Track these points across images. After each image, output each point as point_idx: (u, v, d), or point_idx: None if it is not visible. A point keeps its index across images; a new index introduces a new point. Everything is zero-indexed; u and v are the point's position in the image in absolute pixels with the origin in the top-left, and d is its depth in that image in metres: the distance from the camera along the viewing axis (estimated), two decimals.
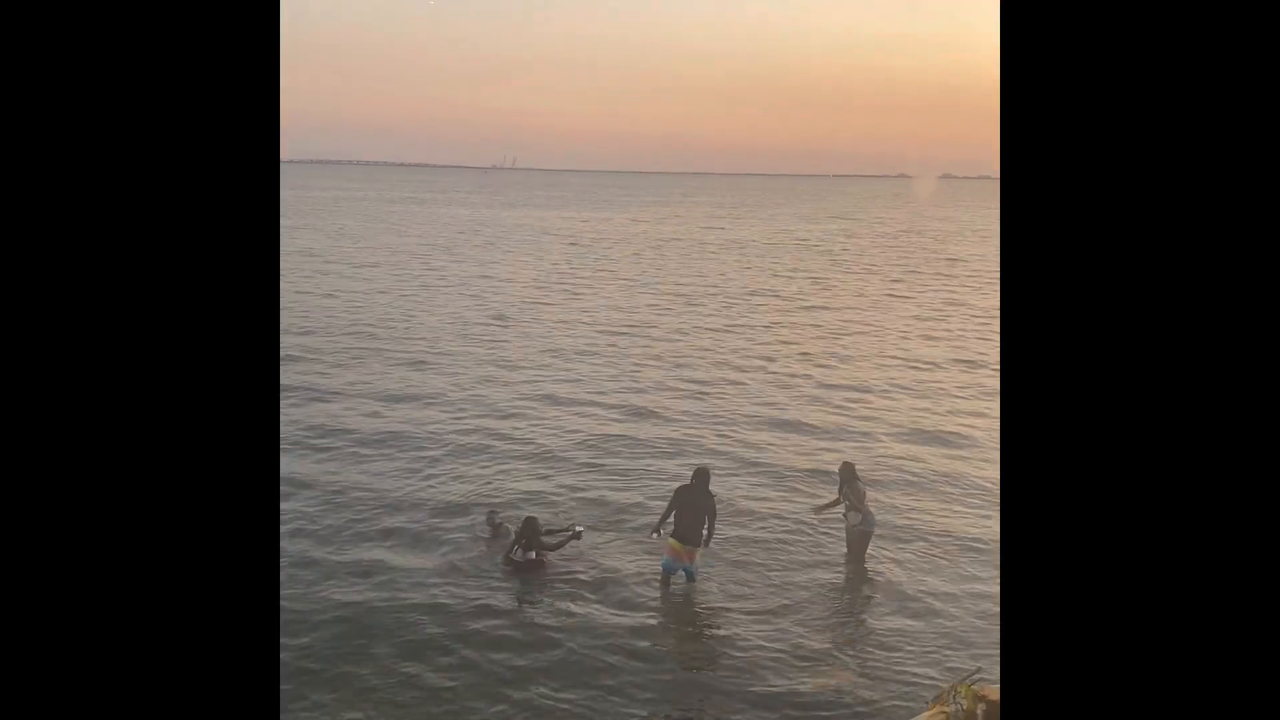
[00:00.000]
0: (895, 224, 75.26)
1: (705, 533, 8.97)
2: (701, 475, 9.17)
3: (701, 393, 17.58)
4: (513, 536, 9.83)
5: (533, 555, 9.57)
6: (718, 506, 9.20)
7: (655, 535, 9.27)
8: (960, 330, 24.92)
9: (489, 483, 12.32)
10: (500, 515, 10.58)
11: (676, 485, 9.45)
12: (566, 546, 9.84)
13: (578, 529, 10.14)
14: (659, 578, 9.21)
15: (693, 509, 8.95)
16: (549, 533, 10.06)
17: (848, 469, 10.27)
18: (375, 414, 15.55)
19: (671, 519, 9.03)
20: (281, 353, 17.40)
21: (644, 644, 8.21)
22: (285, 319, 21.47)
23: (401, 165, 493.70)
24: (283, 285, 26.33)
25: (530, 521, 9.78)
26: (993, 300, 27.34)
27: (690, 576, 9.11)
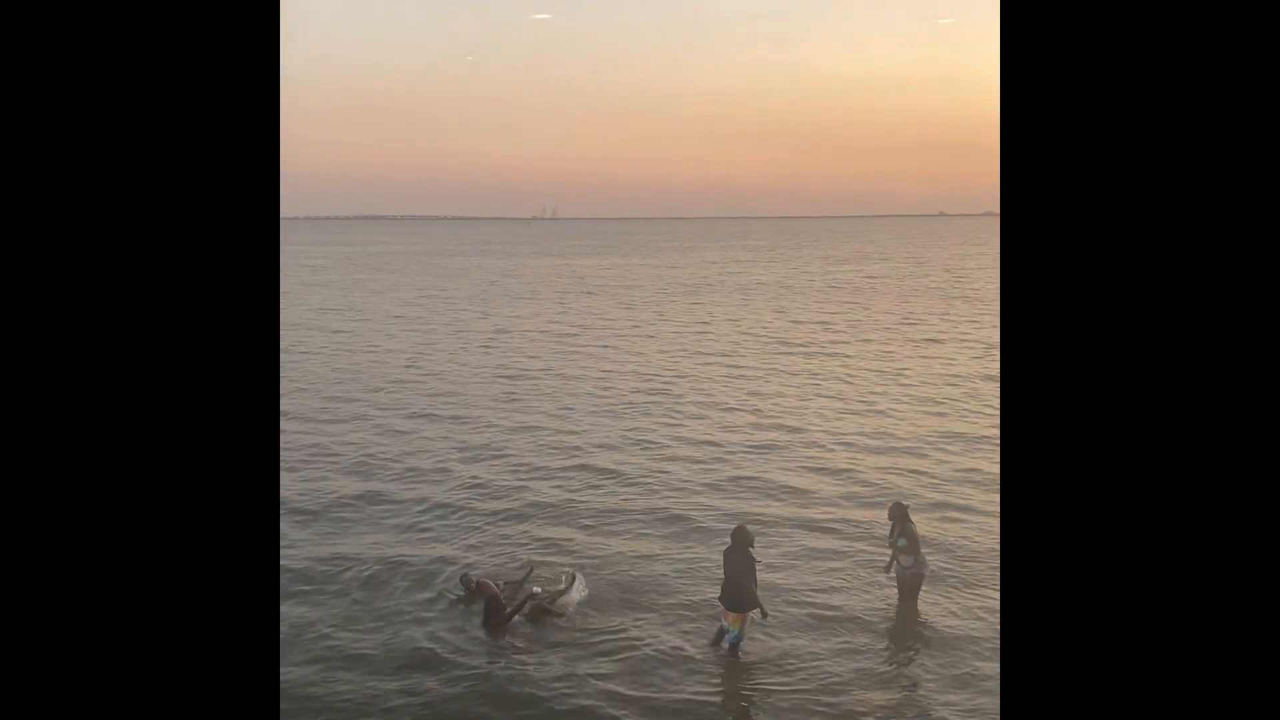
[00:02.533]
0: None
1: (752, 593, 8.45)
2: (738, 535, 8.71)
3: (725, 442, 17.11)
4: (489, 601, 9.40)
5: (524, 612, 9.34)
6: (757, 567, 8.67)
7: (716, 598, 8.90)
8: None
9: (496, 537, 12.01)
10: (475, 575, 10.24)
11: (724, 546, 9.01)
12: (564, 600, 9.54)
13: (572, 572, 9.88)
14: (714, 634, 8.85)
15: (731, 571, 8.55)
16: (534, 594, 9.57)
17: (900, 510, 9.85)
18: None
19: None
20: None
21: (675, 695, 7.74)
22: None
23: (445, 219, 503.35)
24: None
25: (493, 600, 9.32)
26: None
27: (733, 645, 8.61)
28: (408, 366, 25.11)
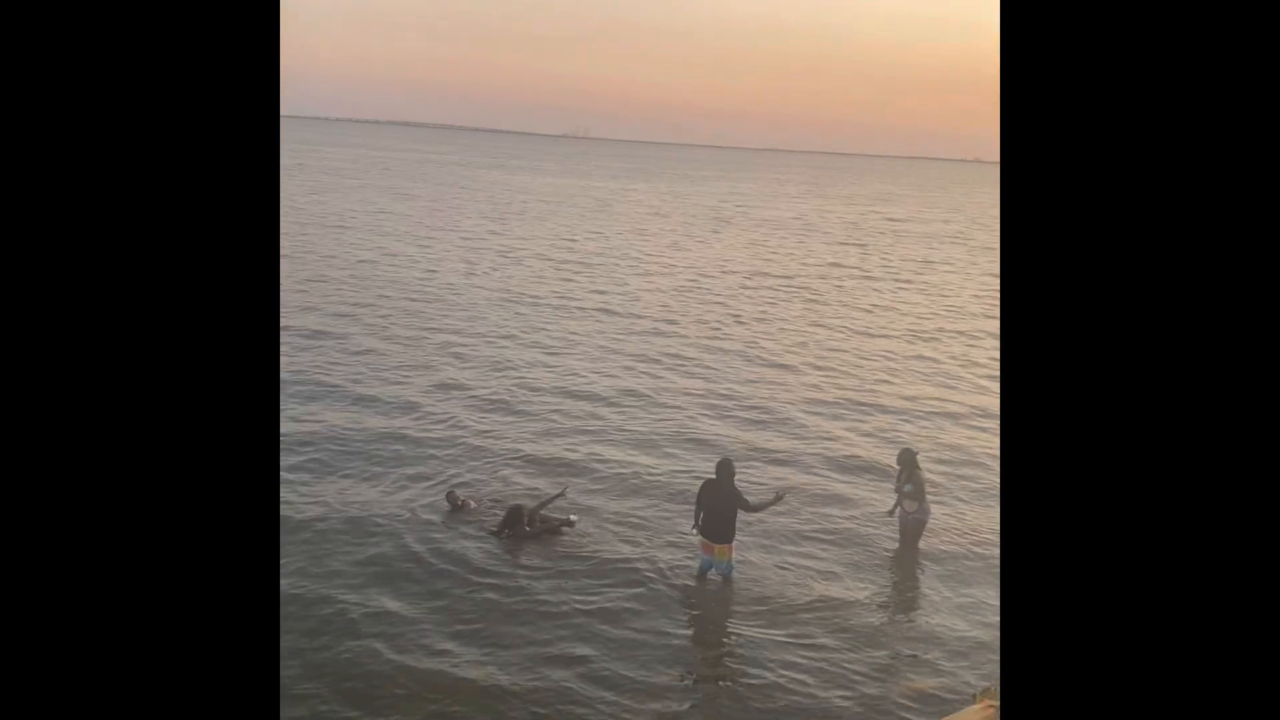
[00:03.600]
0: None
1: (754, 515, 8.62)
2: (724, 468, 8.70)
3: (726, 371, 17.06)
4: (502, 518, 9.68)
5: (525, 533, 9.54)
6: (748, 498, 8.72)
7: (694, 531, 8.91)
8: None
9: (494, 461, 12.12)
10: (462, 493, 10.45)
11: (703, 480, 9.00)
12: (561, 530, 9.67)
13: (571, 518, 9.97)
14: (696, 571, 8.88)
15: (718, 504, 8.55)
16: (540, 507, 9.91)
17: (909, 456, 9.88)
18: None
19: (701, 515, 8.70)
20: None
21: (670, 641, 7.86)
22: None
23: (479, 130, 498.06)
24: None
25: (515, 510, 9.66)
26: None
27: (725, 576, 8.72)
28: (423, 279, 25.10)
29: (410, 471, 11.25)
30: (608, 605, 8.27)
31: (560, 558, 9.16)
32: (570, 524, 9.85)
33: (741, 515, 8.64)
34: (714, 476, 8.73)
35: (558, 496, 10.35)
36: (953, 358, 19.28)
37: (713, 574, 8.75)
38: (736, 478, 8.76)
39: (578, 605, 8.24)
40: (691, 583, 8.77)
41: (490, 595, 8.34)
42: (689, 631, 8.09)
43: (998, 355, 19.43)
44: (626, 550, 9.41)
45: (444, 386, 14.95)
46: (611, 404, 14.58)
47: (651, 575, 8.88)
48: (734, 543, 8.65)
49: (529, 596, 8.34)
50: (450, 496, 10.34)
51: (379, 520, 9.76)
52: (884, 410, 15.07)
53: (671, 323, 21.18)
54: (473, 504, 10.32)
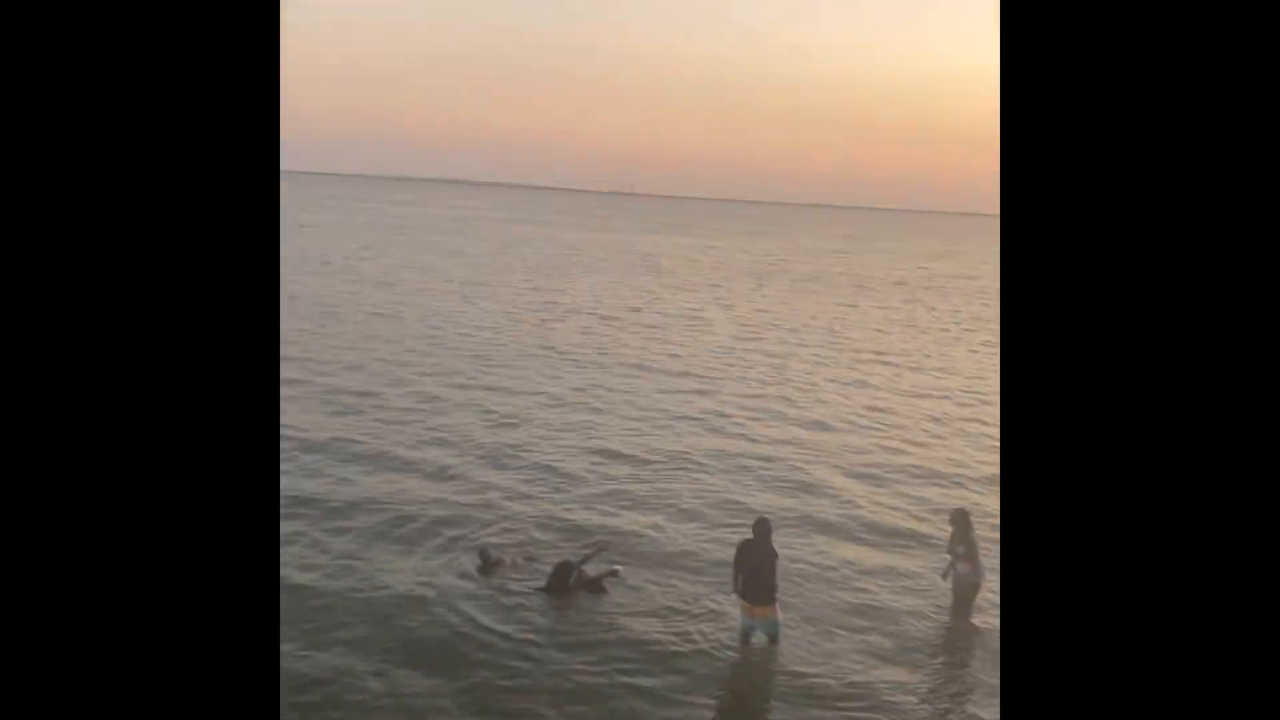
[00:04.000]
0: None
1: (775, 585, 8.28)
2: (761, 527, 8.45)
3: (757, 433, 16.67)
4: (550, 573, 9.51)
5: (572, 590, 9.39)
6: (778, 561, 8.41)
7: (734, 594, 8.63)
8: None
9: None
10: (496, 549, 10.23)
11: (740, 540, 8.74)
12: (605, 587, 9.52)
13: (617, 567, 9.84)
14: (739, 636, 8.56)
15: (756, 565, 8.28)
16: (584, 561, 9.75)
17: (962, 516, 9.64)
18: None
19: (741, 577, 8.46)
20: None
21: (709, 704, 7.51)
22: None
23: (528, 188, 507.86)
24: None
25: (564, 566, 9.50)
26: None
27: (772, 637, 8.43)
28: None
29: (438, 537, 10.97)
30: (646, 684, 7.90)
31: (599, 629, 8.83)
32: (616, 575, 9.69)
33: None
34: (751, 537, 8.47)
35: (601, 550, 10.09)
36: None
37: (756, 637, 8.41)
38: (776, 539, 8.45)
39: (619, 680, 7.90)
40: (733, 651, 8.40)
41: (521, 664, 8.04)
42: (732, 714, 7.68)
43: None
44: (664, 621, 9.07)
45: (474, 445, 14.84)
46: (646, 464, 14.33)
47: (691, 649, 8.51)
48: (777, 604, 8.33)
49: (561, 668, 8.02)
50: (483, 553, 10.05)
51: (402, 586, 9.50)
52: (935, 475, 14.59)
53: (714, 380, 20.95)
54: (506, 560, 10.06)
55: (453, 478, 13.19)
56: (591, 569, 9.69)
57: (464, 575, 9.82)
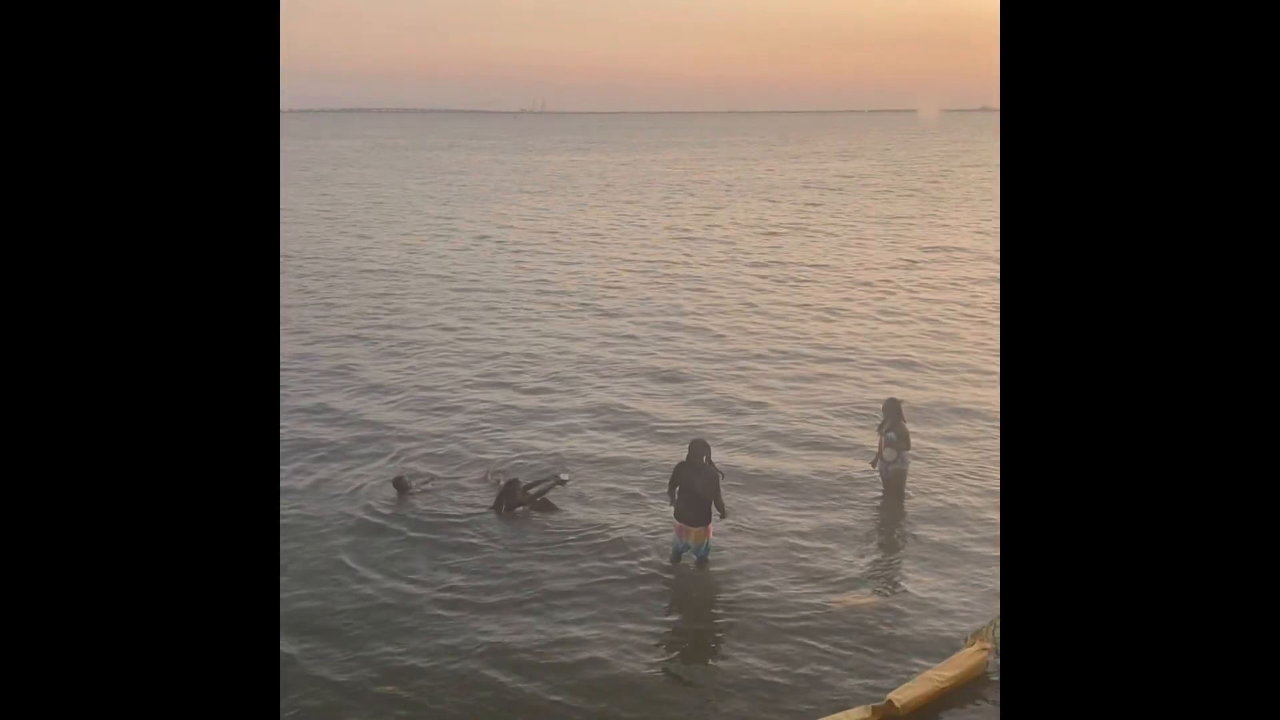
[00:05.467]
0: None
1: (715, 509, 8.18)
2: (697, 447, 8.22)
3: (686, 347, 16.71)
4: (498, 495, 9.66)
5: (518, 510, 9.48)
6: (721, 480, 8.26)
7: (669, 508, 8.52)
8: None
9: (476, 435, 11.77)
10: (412, 476, 10.17)
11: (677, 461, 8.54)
12: (551, 493, 9.67)
13: (562, 476, 9.94)
14: (671, 555, 8.48)
15: (691, 485, 8.11)
16: (531, 485, 9.79)
17: (894, 405, 9.75)
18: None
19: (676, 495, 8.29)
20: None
21: (645, 624, 7.56)
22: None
23: (434, 111, 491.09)
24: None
25: (511, 484, 9.67)
26: None
27: (701, 557, 8.31)
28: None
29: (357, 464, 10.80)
30: (581, 585, 8.04)
31: (532, 550, 8.83)
32: (563, 482, 9.81)
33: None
34: (685, 458, 8.28)
35: (557, 482, 9.95)
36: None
37: (686, 557, 8.35)
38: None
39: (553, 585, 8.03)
40: (666, 563, 8.44)
41: (457, 581, 8.10)
42: (669, 618, 7.77)
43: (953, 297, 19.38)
44: (603, 530, 9.15)
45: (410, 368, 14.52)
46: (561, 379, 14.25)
47: (626, 557, 8.60)
48: (710, 526, 8.23)
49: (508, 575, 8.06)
50: (398, 482, 9.94)
51: (311, 519, 9.32)
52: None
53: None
54: (429, 486, 10.02)
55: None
56: (535, 488, 9.73)
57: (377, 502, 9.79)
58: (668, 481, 8.48)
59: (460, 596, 7.86)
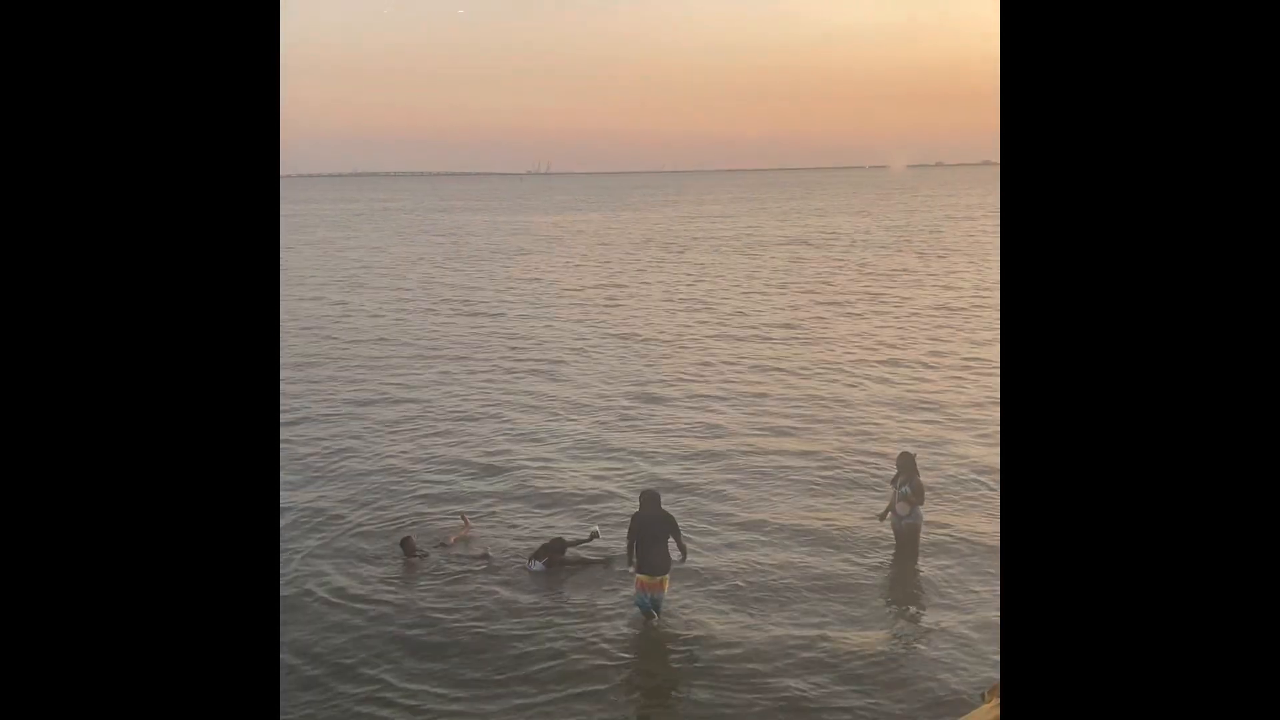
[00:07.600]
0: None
1: (678, 554, 8.15)
2: (648, 498, 8.27)
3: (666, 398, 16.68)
4: (540, 547, 9.69)
5: (541, 564, 9.53)
6: (680, 522, 8.35)
7: (631, 570, 8.36)
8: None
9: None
10: (419, 538, 10.08)
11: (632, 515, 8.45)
12: (584, 552, 9.78)
13: (594, 529, 10.12)
14: (640, 620, 8.31)
15: (650, 528, 8.09)
16: (574, 543, 9.87)
17: (908, 460, 9.59)
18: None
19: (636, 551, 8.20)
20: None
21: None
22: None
23: (440, 175, 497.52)
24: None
25: (557, 541, 9.73)
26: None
27: (655, 609, 8.20)
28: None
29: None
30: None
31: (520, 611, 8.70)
32: (596, 535, 9.94)
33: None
34: (639, 509, 8.26)
35: (590, 538, 10.00)
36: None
37: (648, 612, 8.22)
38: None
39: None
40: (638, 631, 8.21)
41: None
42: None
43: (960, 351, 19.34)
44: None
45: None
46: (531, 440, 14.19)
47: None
48: (668, 576, 8.19)
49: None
50: (405, 544, 9.82)
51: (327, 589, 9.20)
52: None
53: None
54: (438, 550, 9.92)
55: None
56: (577, 547, 9.77)
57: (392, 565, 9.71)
58: (626, 535, 8.36)
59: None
